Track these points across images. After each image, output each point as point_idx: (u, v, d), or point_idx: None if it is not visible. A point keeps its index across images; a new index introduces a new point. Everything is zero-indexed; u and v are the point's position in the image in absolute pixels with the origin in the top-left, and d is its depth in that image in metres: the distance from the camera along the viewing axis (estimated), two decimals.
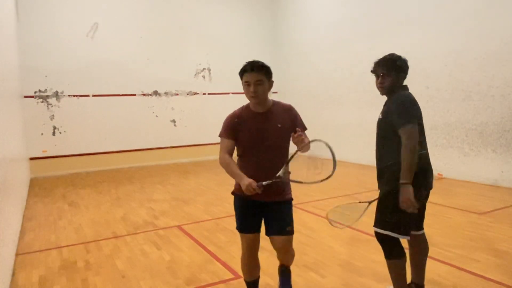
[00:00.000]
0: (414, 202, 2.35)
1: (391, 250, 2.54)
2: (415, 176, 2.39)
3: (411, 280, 2.80)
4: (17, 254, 4.02)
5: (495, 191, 6.09)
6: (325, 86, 10.26)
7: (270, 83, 2.46)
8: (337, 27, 9.68)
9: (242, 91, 2.45)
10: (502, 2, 6.25)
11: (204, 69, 10.92)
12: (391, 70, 2.52)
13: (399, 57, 2.57)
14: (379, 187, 2.65)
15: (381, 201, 2.59)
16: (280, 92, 11.54)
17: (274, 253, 2.44)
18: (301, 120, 2.57)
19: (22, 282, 3.35)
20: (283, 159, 2.45)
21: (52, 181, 8.22)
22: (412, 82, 8.32)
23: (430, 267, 3.33)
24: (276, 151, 2.47)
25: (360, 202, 2.76)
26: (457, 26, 6.91)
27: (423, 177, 2.50)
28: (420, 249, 2.74)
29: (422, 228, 2.73)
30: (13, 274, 3.51)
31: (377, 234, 2.61)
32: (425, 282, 2.96)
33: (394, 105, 2.50)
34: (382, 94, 2.64)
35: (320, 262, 3.52)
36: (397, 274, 2.55)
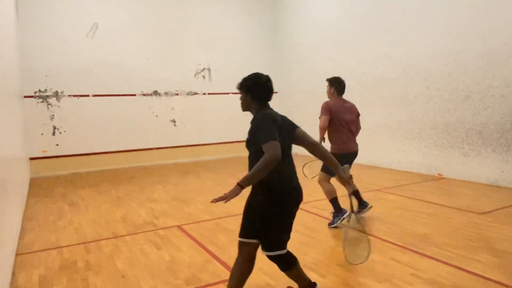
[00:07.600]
0: None
1: None
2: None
3: None
4: (17, 254, 4.02)
5: (495, 191, 6.09)
6: (325, 87, 10.21)
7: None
8: (337, 27, 9.67)
9: None
10: (502, 2, 6.25)
11: (204, 69, 10.91)
12: None
13: None
14: None
15: None
16: (280, 92, 11.54)
17: None
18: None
19: (22, 282, 3.35)
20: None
21: (52, 181, 8.22)
22: (412, 82, 8.27)
23: (430, 267, 3.34)
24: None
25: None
26: (457, 26, 6.91)
27: None
28: None
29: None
30: (13, 274, 3.51)
31: None
32: (425, 282, 2.98)
33: None
34: None
35: (320, 262, 3.52)
36: None
